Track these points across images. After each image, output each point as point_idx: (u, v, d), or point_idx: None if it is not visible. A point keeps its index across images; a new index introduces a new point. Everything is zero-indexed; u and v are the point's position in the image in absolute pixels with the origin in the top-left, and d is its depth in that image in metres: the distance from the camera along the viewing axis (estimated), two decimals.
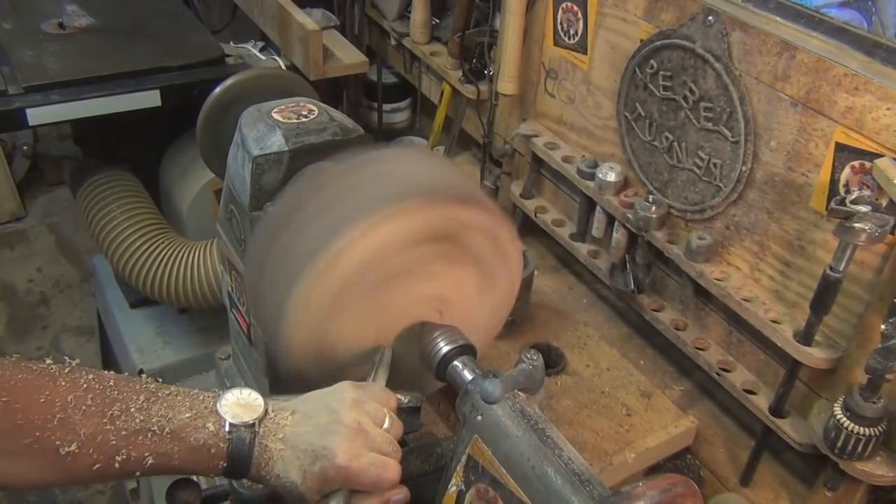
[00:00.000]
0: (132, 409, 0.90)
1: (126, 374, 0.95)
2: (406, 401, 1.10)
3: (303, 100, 1.30)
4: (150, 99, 1.88)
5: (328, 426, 0.95)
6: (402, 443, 1.33)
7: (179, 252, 1.94)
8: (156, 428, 0.90)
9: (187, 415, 0.92)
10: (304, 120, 1.23)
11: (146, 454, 0.89)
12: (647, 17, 1.53)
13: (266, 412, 0.96)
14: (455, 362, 1.09)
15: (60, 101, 1.80)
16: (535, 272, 1.67)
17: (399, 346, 1.14)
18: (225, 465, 0.93)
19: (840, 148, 1.26)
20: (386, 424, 0.99)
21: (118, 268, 1.97)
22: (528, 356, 1.05)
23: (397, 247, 1.04)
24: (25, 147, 3.65)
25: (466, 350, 1.11)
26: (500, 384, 1.00)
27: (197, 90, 1.87)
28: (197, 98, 1.65)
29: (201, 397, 0.96)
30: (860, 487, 1.33)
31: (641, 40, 1.55)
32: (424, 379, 1.17)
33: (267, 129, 1.21)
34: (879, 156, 1.20)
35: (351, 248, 1.01)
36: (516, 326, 1.65)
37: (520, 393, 1.01)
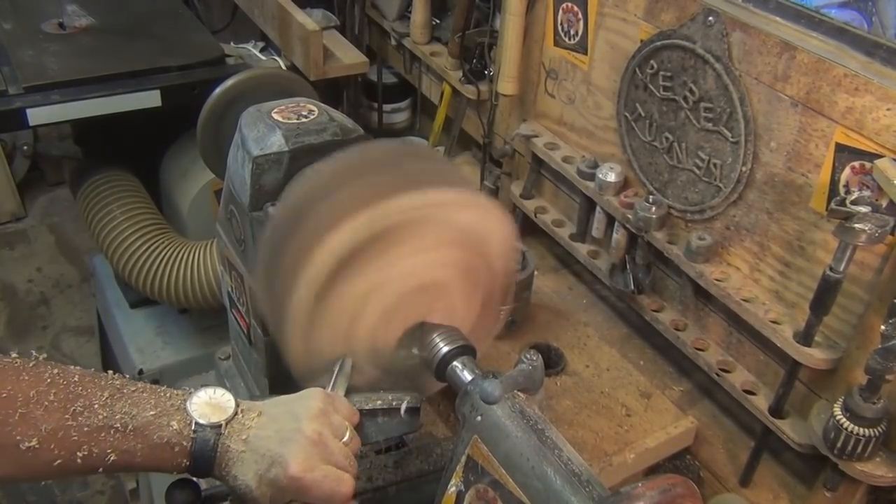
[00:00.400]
0: (95, 406, 0.90)
1: (92, 370, 0.95)
2: (406, 401, 1.10)
3: (303, 100, 1.30)
4: (150, 99, 1.88)
5: (288, 433, 0.95)
6: (402, 443, 1.33)
7: (179, 252, 1.94)
8: (118, 425, 0.90)
9: (152, 412, 0.92)
10: (304, 120, 1.23)
11: (108, 451, 0.89)
12: (648, 18, 1.53)
13: (236, 413, 0.96)
14: (455, 363, 1.09)
15: (61, 101, 1.80)
16: (535, 272, 1.67)
17: (399, 346, 1.14)
18: (188, 463, 0.93)
19: (840, 148, 1.26)
20: (346, 438, 0.99)
21: (118, 268, 1.97)
22: (528, 356, 1.05)
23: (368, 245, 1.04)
24: (26, 147, 3.65)
25: (466, 350, 1.11)
26: (500, 384, 1.00)
27: (197, 90, 1.87)
28: (197, 98, 1.65)
29: (168, 395, 0.96)
30: (860, 488, 1.33)
31: (641, 40, 1.55)
32: (424, 379, 1.17)
33: (267, 130, 1.21)
34: (879, 156, 1.20)
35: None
36: (516, 326, 1.65)
37: (519, 393, 1.01)
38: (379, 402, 1.09)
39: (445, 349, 1.10)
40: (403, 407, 1.10)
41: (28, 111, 1.78)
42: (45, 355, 0.93)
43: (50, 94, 1.80)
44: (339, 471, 0.95)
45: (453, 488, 1.02)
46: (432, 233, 1.07)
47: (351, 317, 1.08)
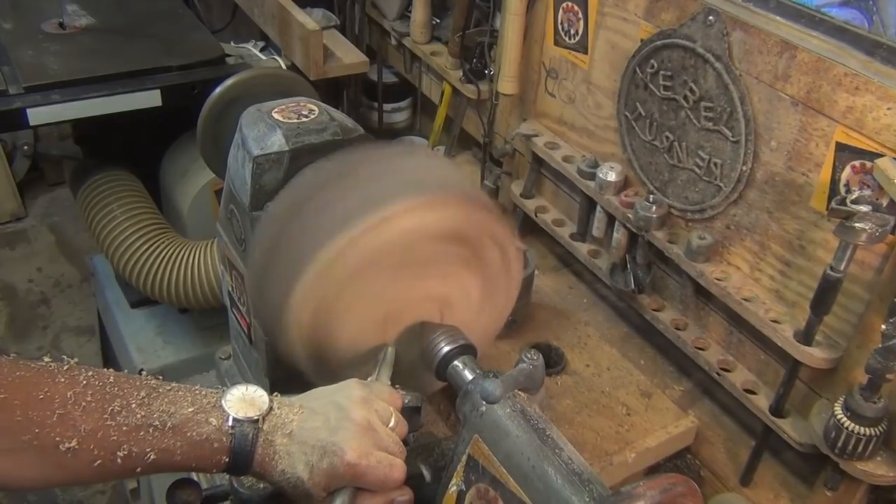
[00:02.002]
0: (133, 405, 0.89)
1: (125, 371, 0.95)
2: (407, 400, 1.10)
3: (303, 100, 1.30)
4: (150, 99, 1.88)
5: (337, 422, 0.94)
6: (404, 442, 1.33)
7: (180, 252, 1.94)
8: (157, 423, 0.89)
9: (189, 410, 0.92)
10: (304, 120, 1.23)
11: (148, 449, 0.89)
12: (648, 17, 1.53)
13: (271, 408, 0.95)
14: (455, 362, 1.09)
15: (61, 100, 1.80)
16: (536, 272, 1.67)
17: (399, 345, 1.14)
18: (227, 460, 0.93)
19: (840, 147, 1.26)
20: (392, 423, 0.99)
21: (118, 267, 1.97)
22: (529, 356, 1.05)
23: (425, 236, 1.04)
24: (26, 147, 3.65)
25: (467, 350, 1.11)
26: (501, 384, 1.00)
27: (197, 90, 1.87)
28: (197, 98, 1.65)
29: (203, 393, 0.95)
30: (860, 487, 1.33)
31: (642, 40, 1.55)
32: (425, 379, 1.17)
33: (267, 129, 1.21)
34: (880, 155, 1.20)
35: (379, 227, 1.02)
36: (516, 326, 1.65)
37: (520, 393, 1.01)
38: None
39: (446, 349, 1.10)
40: (405, 406, 1.10)
41: (28, 111, 1.78)
42: (48, 358, 0.93)
43: (50, 93, 1.80)
44: (391, 456, 0.96)
45: (454, 487, 1.02)
46: (433, 244, 1.08)
47: (353, 317, 1.08)
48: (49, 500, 2.59)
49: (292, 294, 1.03)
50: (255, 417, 0.94)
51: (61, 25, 2.06)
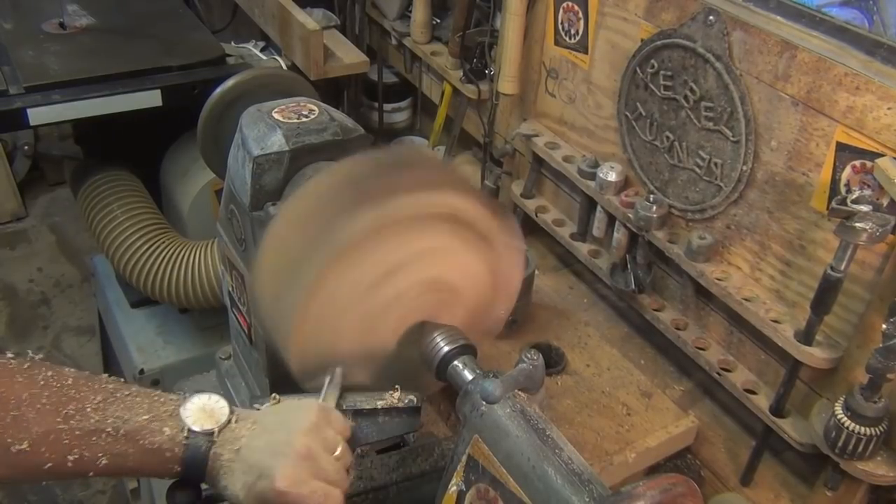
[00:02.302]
0: (88, 409, 0.90)
1: (87, 372, 0.94)
2: (406, 401, 1.10)
3: (303, 100, 1.30)
4: (150, 99, 1.88)
5: (279, 446, 0.94)
6: (402, 443, 1.33)
7: (180, 252, 1.94)
8: (110, 429, 0.90)
9: (145, 417, 0.92)
10: (304, 120, 1.23)
11: (100, 454, 0.89)
12: (648, 17, 1.53)
13: (229, 421, 0.95)
14: (455, 362, 1.09)
15: (61, 100, 1.80)
16: (536, 272, 1.67)
17: (399, 346, 1.14)
18: (179, 469, 0.93)
19: (841, 147, 1.26)
20: (338, 452, 0.98)
21: (119, 268, 1.97)
22: (529, 356, 1.05)
23: (404, 226, 1.03)
24: (26, 147, 3.65)
25: (467, 350, 1.11)
26: (501, 384, 1.00)
27: (198, 90, 1.87)
28: (198, 98, 1.65)
29: (162, 400, 0.95)
30: (861, 487, 1.33)
31: (642, 40, 1.55)
32: (424, 379, 1.17)
33: (267, 129, 1.21)
34: (880, 155, 1.20)
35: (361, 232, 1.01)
36: (517, 326, 1.65)
37: (520, 393, 1.01)
38: (379, 402, 1.09)
39: (446, 349, 1.10)
40: (404, 406, 1.10)
41: (29, 111, 1.78)
42: (41, 356, 0.93)
43: (50, 93, 1.81)
44: (328, 486, 0.94)
45: (454, 487, 1.02)
46: (442, 232, 1.07)
47: (354, 312, 1.08)
48: (49, 500, 2.59)
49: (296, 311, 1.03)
50: (211, 430, 0.94)
51: (62, 25, 2.06)
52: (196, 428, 0.93)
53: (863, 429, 1.22)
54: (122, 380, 0.96)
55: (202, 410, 0.95)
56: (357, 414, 1.08)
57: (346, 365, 1.11)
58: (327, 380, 1.08)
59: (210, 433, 0.94)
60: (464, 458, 1.00)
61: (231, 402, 0.99)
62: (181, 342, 2.14)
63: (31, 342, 3.08)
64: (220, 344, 1.67)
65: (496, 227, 1.12)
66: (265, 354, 1.33)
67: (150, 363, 2.07)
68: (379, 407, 1.09)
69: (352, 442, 1.03)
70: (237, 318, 1.43)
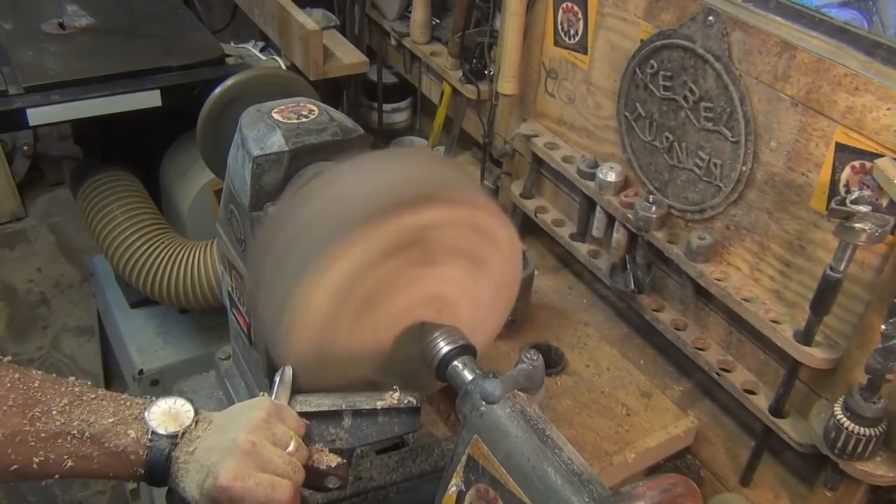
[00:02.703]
0: (54, 412, 0.91)
1: (54, 375, 0.95)
2: (406, 401, 1.10)
3: (303, 100, 1.30)
4: (150, 99, 1.88)
5: (226, 443, 0.95)
6: (402, 443, 1.33)
7: (179, 252, 1.94)
8: (76, 431, 0.91)
9: (110, 420, 0.93)
10: (304, 120, 1.23)
11: (65, 456, 0.90)
12: (648, 17, 1.53)
13: (193, 424, 0.97)
14: (455, 362, 1.09)
15: (61, 101, 1.80)
16: (536, 272, 1.67)
17: (399, 345, 1.14)
18: (143, 472, 0.94)
19: (840, 148, 1.26)
20: (290, 448, 0.98)
21: (118, 268, 1.97)
22: (528, 356, 1.05)
23: (368, 267, 1.03)
24: (26, 147, 3.65)
25: (466, 350, 1.11)
26: (500, 384, 1.00)
27: (197, 90, 1.87)
28: (197, 98, 1.65)
29: (129, 403, 0.96)
30: (860, 487, 1.33)
31: (642, 40, 1.55)
32: (424, 379, 1.17)
33: (267, 129, 1.21)
34: (880, 156, 1.20)
35: (326, 271, 1.01)
36: (516, 326, 1.65)
37: (520, 393, 1.01)
38: (379, 402, 1.09)
39: (446, 349, 1.10)
40: (404, 407, 1.10)
41: (28, 111, 1.78)
42: (9, 357, 0.94)
43: (50, 94, 1.80)
44: (276, 477, 0.94)
45: (454, 488, 1.02)
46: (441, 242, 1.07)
47: (353, 316, 1.08)
48: (48, 500, 2.58)
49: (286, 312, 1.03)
50: (175, 433, 0.95)
51: (61, 25, 2.06)
52: (161, 431, 0.95)
53: (862, 429, 1.22)
54: (89, 383, 0.97)
55: (167, 414, 0.96)
56: (357, 414, 1.08)
57: (345, 364, 1.12)
58: (278, 377, 1.08)
59: (174, 436, 0.95)
60: (463, 459, 1.00)
61: (231, 403, 0.99)
62: (181, 342, 2.13)
63: (31, 342, 3.07)
64: (219, 344, 1.67)
65: (504, 236, 1.13)
66: (265, 355, 1.33)
67: (150, 363, 2.07)
68: (379, 407, 1.09)
69: (306, 439, 1.03)
70: (237, 319, 1.43)
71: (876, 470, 1.26)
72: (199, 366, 1.91)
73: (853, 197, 1.17)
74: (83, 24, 2.08)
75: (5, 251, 3.48)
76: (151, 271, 1.92)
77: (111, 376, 2.73)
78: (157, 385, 2.04)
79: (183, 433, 0.96)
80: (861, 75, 1.20)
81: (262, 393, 1.07)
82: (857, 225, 1.16)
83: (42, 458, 0.89)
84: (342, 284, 1.03)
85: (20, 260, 3.46)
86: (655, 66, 1.52)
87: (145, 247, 1.93)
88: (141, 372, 2.04)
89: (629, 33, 1.59)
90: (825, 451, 1.29)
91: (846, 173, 1.26)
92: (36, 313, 3.22)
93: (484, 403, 0.99)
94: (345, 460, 1.06)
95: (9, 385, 0.90)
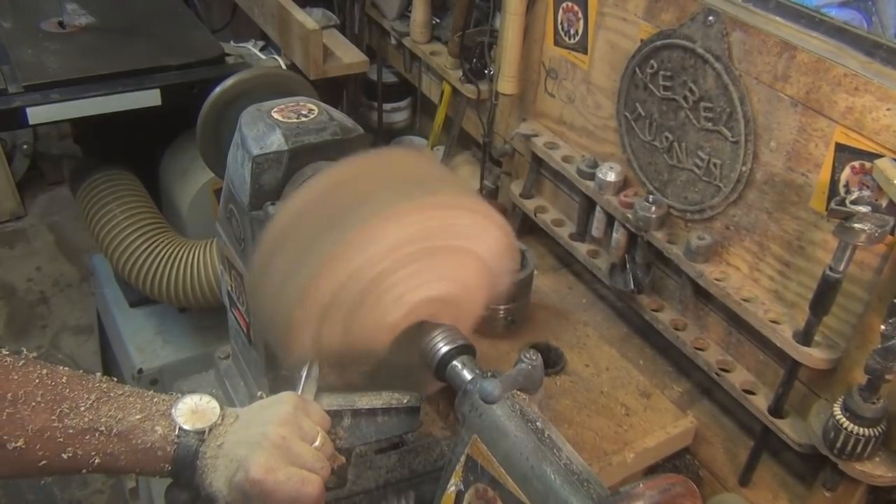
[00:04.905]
0: (82, 408, 0.91)
1: (81, 371, 0.96)
2: (406, 401, 1.10)
3: (302, 99, 1.30)
4: (150, 98, 1.88)
5: (255, 437, 0.95)
6: (401, 442, 1.33)
7: (179, 251, 1.94)
8: (104, 428, 0.91)
9: (137, 416, 0.93)
10: (303, 119, 1.23)
11: (93, 453, 0.91)
12: (648, 17, 1.53)
13: (220, 419, 0.97)
14: (454, 362, 1.09)
15: (60, 100, 1.80)
16: (535, 272, 1.67)
17: (399, 346, 1.14)
18: (170, 468, 0.94)
19: (840, 148, 1.26)
20: (317, 443, 0.99)
21: (118, 267, 1.97)
22: (528, 356, 1.05)
23: (368, 266, 1.04)
24: (25, 146, 3.65)
25: (466, 350, 1.11)
26: (500, 384, 1.00)
27: (197, 89, 1.87)
28: (197, 97, 1.65)
29: (155, 400, 0.97)
30: (859, 488, 1.33)
31: (641, 40, 1.55)
32: (424, 379, 1.17)
33: (267, 129, 1.21)
34: (879, 156, 1.20)
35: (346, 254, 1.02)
36: (516, 326, 1.65)
37: (519, 393, 1.01)
38: (379, 401, 1.09)
39: (445, 348, 1.10)
40: (403, 406, 1.10)
41: (28, 110, 1.78)
42: (34, 354, 0.94)
43: (49, 92, 1.80)
44: (305, 472, 0.95)
45: (453, 488, 1.02)
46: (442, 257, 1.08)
47: (350, 315, 1.08)
48: (48, 499, 2.58)
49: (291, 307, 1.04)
50: (202, 429, 0.95)
51: (61, 24, 2.06)
52: (187, 427, 0.95)
53: (861, 429, 1.22)
54: (115, 380, 0.97)
55: (193, 411, 0.96)
56: (356, 414, 1.08)
57: (344, 364, 1.12)
58: (304, 373, 1.08)
59: (201, 432, 0.95)
60: (462, 458, 1.00)
61: (230, 402, 1.00)
62: (180, 341, 2.14)
63: (30, 341, 3.08)
64: (218, 343, 1.67)
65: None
66: (264, 354, 1.33)
67: (149, 362, 2.07)
68: (378, 407, 1.09)
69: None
70: (236, 318, 1.43)
71: (875, 470, 1.26)
72: (198, 365, 1.91)
73: (853, 197, 1.17)
74: (83, 23, 2.08)
75: (5, 250, 3.49)
76: (151, 270, 1.93)
77: (110, 375, 2.73)
78: (157, 384, 2.04)
79: (210, 429, 0.96)
80: (861, 75, 1.20)
81: (260, 393, 1.07)
82: (856, 225, 1.16)
83: (70, 455, 0.89)
84: (342, 284, 1.03)
85: (19, 259, 3.46)
86: (655, 65, 1.52)
87: (145, 246, 1.93)
88: (140, 371, 2.04)
89: (629, 33, 1.59)
90: (824, 451, 1.29)
91: (846, 173, 1.26)
92: (35, 312, 3.22)
93: (483, 403, 0.99)
94: (344, 460, 1.06)
95: (36, 381, 0.90)
